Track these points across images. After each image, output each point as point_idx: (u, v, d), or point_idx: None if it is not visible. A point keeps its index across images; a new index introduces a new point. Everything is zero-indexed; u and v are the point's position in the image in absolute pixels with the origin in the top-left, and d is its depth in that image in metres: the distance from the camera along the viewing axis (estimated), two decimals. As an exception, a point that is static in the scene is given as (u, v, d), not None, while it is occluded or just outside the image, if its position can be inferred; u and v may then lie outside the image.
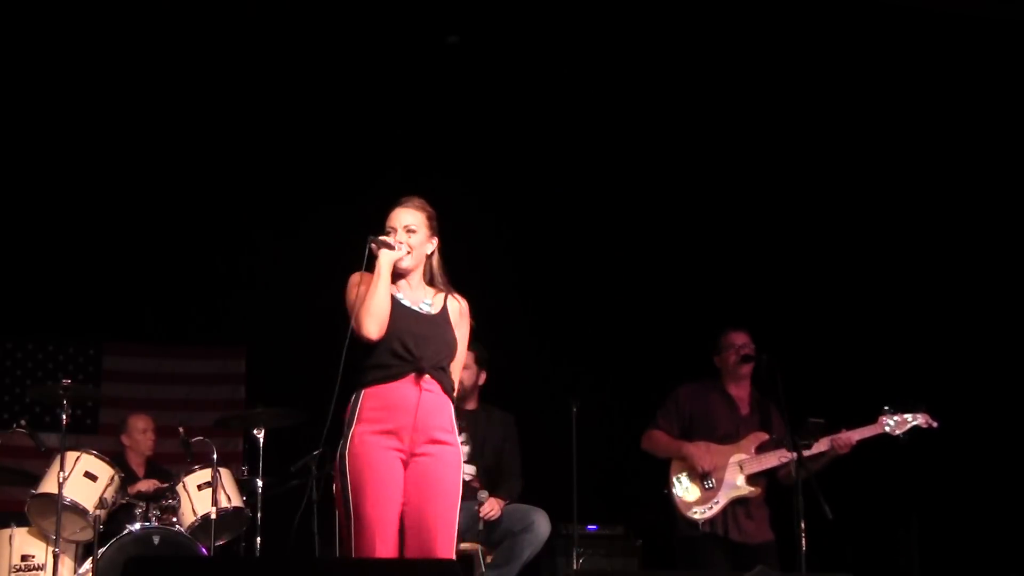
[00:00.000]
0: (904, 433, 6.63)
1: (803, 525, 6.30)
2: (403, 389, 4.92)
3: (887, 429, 6.63)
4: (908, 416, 6.66)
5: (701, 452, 6.80)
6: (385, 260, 5.01)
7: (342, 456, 4.96)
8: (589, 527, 7.68)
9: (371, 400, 4.94)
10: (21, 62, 8.34)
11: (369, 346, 4.97)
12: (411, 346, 4.95)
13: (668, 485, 6.86)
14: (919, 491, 8.68)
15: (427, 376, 4.95)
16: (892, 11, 8.37)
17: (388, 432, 4.90)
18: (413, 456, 4.92)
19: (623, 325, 8.98)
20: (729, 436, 6.89)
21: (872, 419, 6.66)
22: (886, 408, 6.67)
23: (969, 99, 8.67)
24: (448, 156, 8.67)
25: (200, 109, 8.77)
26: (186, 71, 8.60)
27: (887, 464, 8.58)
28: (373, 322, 4.93)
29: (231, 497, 7.11)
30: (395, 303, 5.01)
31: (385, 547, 4.81)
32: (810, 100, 8.81)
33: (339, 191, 8.96)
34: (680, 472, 6.85)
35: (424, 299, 5.13)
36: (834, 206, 9.00)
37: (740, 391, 7.02)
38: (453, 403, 5.10)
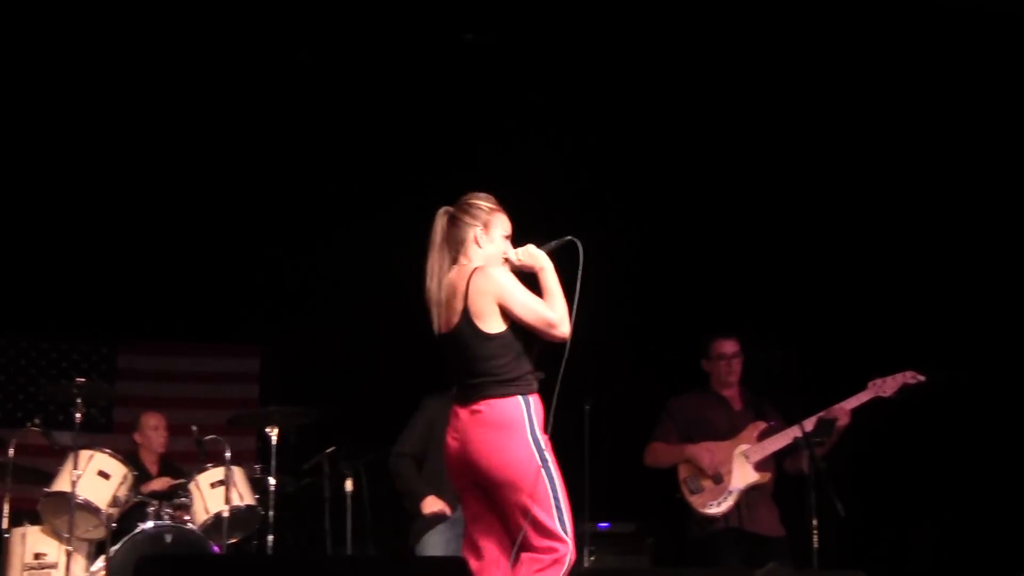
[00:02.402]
0: (895, 393, 6.69)
1: (815, 522, 6.32)
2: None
3: (877, 392, 6.69)
4: (896, 376, 6.72)
5: (703, 451, 6.89)
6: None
7: (543, 458, 4.86)
8: (600, 525, 7.67)
9: (536, 404, 4.95)
10: (39, 59, 8.35)
11: (527, 351, 4.96)
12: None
13: (679, 490, 6.93)
14: (931, 490, 8.66)
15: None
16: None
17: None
18: None
19: (636, 323, 8.95)
20: (727, 432, 6.98)
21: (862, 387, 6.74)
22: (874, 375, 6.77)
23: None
24: (458, 161, 8.64)
25: (213, 112, 8.77)
26: (206, 75, 8.59)
27: (900, 463, 8.59)
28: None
29: (243, 495, 7.11)
30: None
31: None
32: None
33: (353, 197, 8.97)
34: (688, 475, 6.93)
35: None
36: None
37: (731, 391, 7.13)
38: None
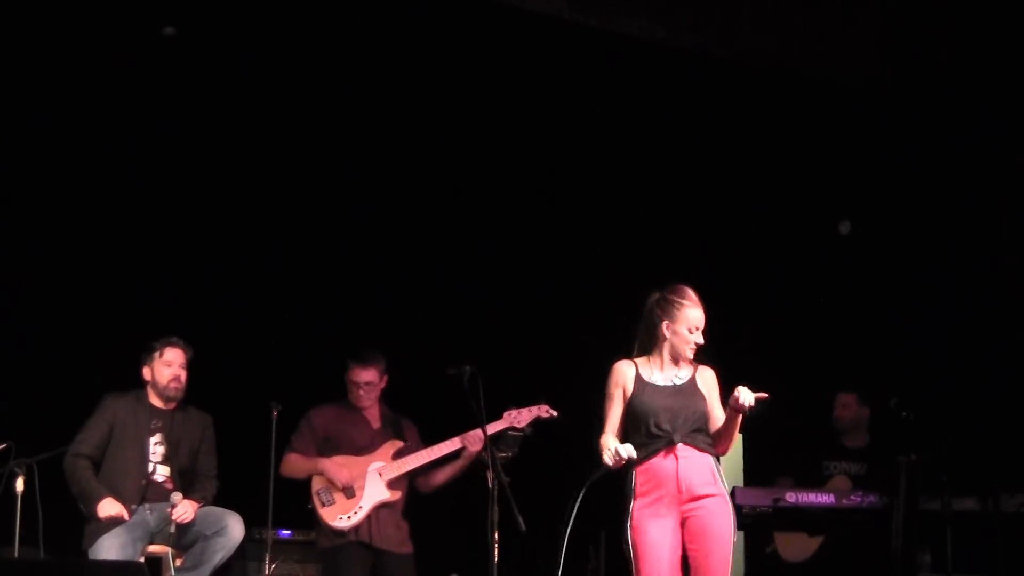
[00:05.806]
0: (528, 425, 7.11)
1: (496, 536, 6.41)
2: (663, 462, 5.67)
3: (512, 422, 7.05)
4: (531, 408, 7.13)
5: (337, 466, 7.14)
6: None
7: (624, 528, 5.73)
8: (282, 532, 7.67)
9: (641, 476, 5.70)
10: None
11: (634, 428, 5.75)
12: (664, 423, 5.68)
13: (310, 501, 7.15)
14: (607, 508, 8.91)
15: (680, 444, 5.66)
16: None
17: (658, 500, 5.67)
18: (685, 514, 5.66)
19: (321, 328, 8.82)
20: (365, 448, 7.24)
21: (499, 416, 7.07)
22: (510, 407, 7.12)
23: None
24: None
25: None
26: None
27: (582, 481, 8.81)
28: None
29: None
30: (648, 384, 5.77)
31: None
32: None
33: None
34: (321, 486, 7.15)
35: (676, 373, 5.83)
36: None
37: (371, 410, 7.37)
38: (714, 455, 5.75)
